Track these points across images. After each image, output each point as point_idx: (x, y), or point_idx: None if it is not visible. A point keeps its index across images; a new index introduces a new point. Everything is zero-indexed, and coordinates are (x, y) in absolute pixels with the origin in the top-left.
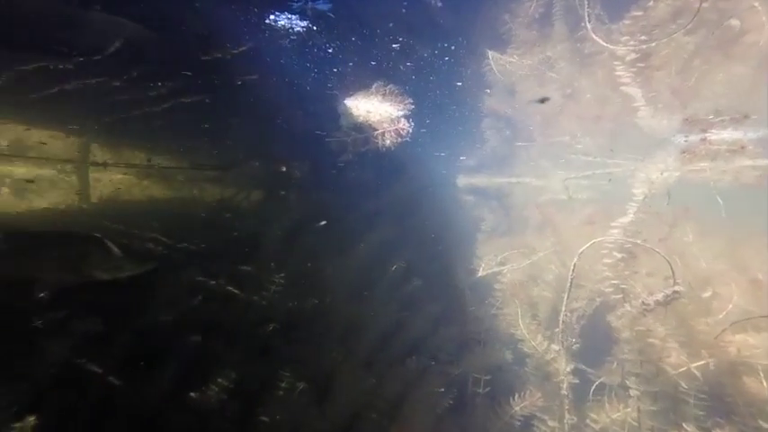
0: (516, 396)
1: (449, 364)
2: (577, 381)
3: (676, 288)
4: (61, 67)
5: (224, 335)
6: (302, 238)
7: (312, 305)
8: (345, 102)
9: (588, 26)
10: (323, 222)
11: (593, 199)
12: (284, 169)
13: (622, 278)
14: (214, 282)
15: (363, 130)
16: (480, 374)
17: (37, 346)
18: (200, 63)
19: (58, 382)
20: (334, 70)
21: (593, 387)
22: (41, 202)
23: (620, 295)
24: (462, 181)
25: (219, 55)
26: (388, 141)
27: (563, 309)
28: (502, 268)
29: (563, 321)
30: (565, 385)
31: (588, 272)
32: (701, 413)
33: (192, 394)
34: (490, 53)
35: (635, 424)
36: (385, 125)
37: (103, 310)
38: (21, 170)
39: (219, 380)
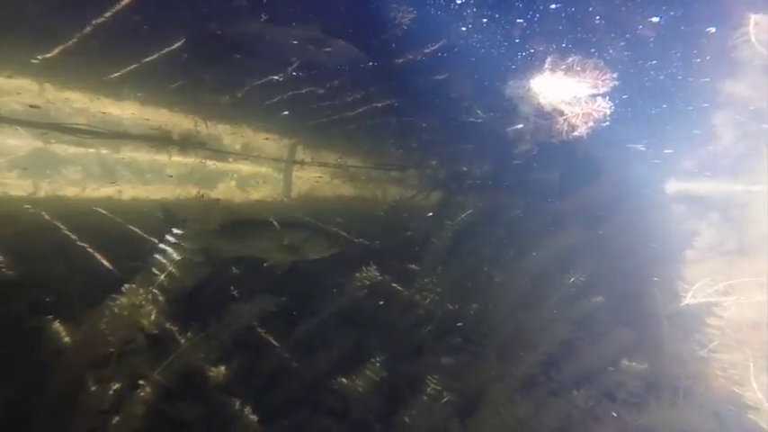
0: None
1: (629, 408)
2: None
3: None
4: (281, 79)
5: (381, 329)
6: (475, 240)
7: (474, 311)
8: (529, 84)
9: None
10: (501, 227)
11: None
12: (465, 169)
13: None
14: (381, 278)
15: (547, 116)
16: None
17: (229, 312)
18: (393, 66)
19: (241, 345)
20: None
21: None
22: (256, 194)
23: None
24: (674, 186)
25: (411, 57)
26: (578, 128)
27: None
28: (723, 299)
29: None
30: None
31: None
32: None
33: (344, 380)
34: (753, 18)
35: None
36: (575, 108)
37: (284, 291)
38: (246, 168)
39: (369, 372)
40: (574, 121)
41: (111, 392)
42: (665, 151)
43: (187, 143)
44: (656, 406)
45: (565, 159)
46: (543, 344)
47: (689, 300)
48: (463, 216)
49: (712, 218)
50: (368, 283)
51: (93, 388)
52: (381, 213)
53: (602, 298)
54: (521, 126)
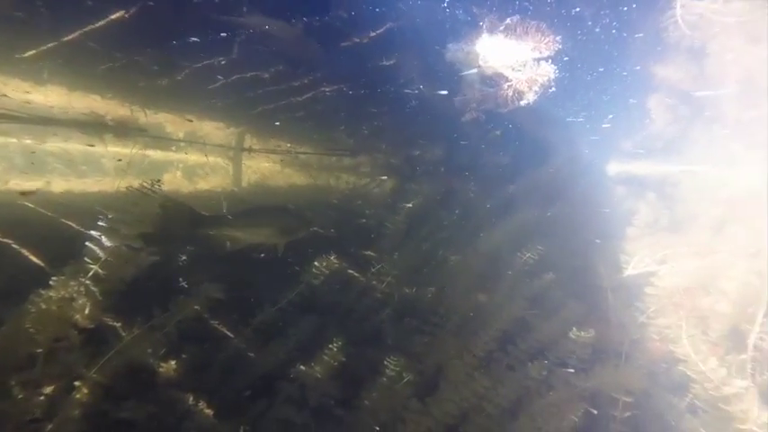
0: None
1: (579, 374)
2: None
3: None
4: (223, 62)
5: (339, 315)
6: (429, 225)
7: (430, 294)
8: (473, 52)
9: None
10: (454, 210)
11: None
12: (417, 153)
13: None
14: (337, 264)
15: (492, 83)
16: (619, 394)
17: (175, 303)
18: (339, 51)
19: (193, 338)
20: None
21: None
22: (204, 184)
23: None
24: (614, 168)
25: (358, 40)
26: (524, 94)
27: (756, 329)
28: (658, 268)
29: (754, 346)
30: None
31: None
32: None
33: (302, 367)
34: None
35: None
36: (520, 74)
37: (239, 280)
38: (192, 157)
39: (327, 359)
40: (519, 87)
41: (41, 397)
42: (604, 125)
43: (125, 131)
44: (601, 370)
45: (514, 142)
46: (499, 321)
47: (629, 272)
48: (417, 201)
49: (649, 197)
50: (325, 270)
51: (20, 395)
52: (335, 201)
53: (553, 274)
54: (466, 95)
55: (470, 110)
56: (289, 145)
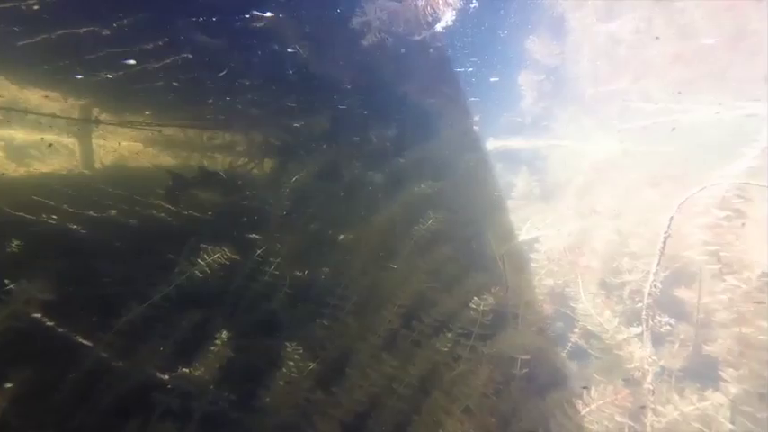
0: (592, 390)
1: (482, 341)
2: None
3: None
4: (36, 6)
5: (225, 306)
6: (315, 203)
7: (324, 275)
8: None
9: None
10: (341, 188)
11: (654, 152)
12: (297, 126)
13: (724, 243)
14: (218, 249)
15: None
16: (517, 354)
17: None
18: (200, 8)
19: (26, 356)
20: None
21: (674, 378)
22: (42, 166)
23: (719, 265)
24: (492, 144)
25: None
26: (441, 12)
27: (650, 280)
28: (540, 234)
29: (650, 294)
30: (649, 378)
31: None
32: None
33: (185, 370)
34: None
35: (730, 426)
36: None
37: (97, 276)
38: (19, 135)
39: (212, 356)
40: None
41: None
42: (492, 79)
43: None
44: (503, 334)
45: (401, 115)
46: (400, 297)
47: (517, 240)
48: (300, 179)
49: (522, 171)
50: (206, 257)
51: None
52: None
53: (449, 247)
54: (366, 15)
55: (372, 31)
56: (150, 122)
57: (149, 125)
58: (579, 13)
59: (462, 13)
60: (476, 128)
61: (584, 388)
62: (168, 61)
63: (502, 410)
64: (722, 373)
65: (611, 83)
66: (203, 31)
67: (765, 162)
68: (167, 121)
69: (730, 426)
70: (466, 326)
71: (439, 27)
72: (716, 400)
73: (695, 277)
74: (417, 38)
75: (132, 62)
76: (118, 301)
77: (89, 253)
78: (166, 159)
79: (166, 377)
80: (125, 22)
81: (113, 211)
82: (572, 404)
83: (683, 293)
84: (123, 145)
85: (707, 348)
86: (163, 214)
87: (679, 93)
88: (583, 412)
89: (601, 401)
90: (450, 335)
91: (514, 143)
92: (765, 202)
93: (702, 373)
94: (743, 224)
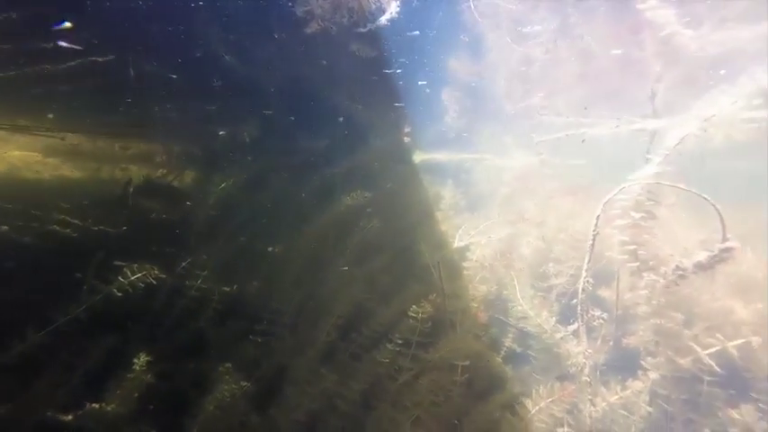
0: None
1: (424, 348)
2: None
3: (728, 244)
4: None
5: (144, 327)
6: (241, 215)
7: (255, 289)
8: None
9: None
10: (268, 199)
11: (568, 162)
12: (222, 133)
13: (641, 242)
14: (135, 266)
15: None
16: (458, 360)
17: None
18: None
19: None
20: None
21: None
22: None
23: (637, 263)
24: (419, 157)
25: None
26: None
27: (583, 276)
28: (471, 242)
29: (583, 290)
30: (586, 371)
31: (583, 239)
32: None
33: (94, 405)
34: None
35: (649, 409)
36: None
37: None
38: None
39: (131, 385)
40: None
41: None
42: (420, 82)
43: None
44: (444, 340)
45: (329, 126)
46: (336, 309)
47: (449, 248)
48: (224, 191)
49: (448, 183)
50: (127, 275)
51: None
52: (119, 193)
53: (383, 255)
54: (309, 4)
55: (315, 19)
56: (50, 129)
57: (50, 131)
58: (494, 34)
59: (407, 6)
60: (407, 139)
61: (534, 388)
62: (73, 63)
63: (449, 418)
64: (642, 362)
65: (526, 99)
66: (110, 28)
67: (666, 168)
68: (72, 127)
69: (648, 408)
70: (405, 335)
71: (384, 19)
72: (635, 388)
73: (613, 276)
74: (362, 30)
75: (68, 24)
76: (8, 330)
77: None
78: (71, 171)
79: (69, 418)
80: (14, 16)
81: (4, 227)
82: (523, 405)
83: (603, 292)
84: (14, 155)
85: (625, 341)
86: (68, 230)
87: (585, 108)
88: (533, 411)
89: (549, 399)
90: (390, 345)
91: (440, 156)
92: (671, 202)
93: (623, 366)
94: (655, 224)
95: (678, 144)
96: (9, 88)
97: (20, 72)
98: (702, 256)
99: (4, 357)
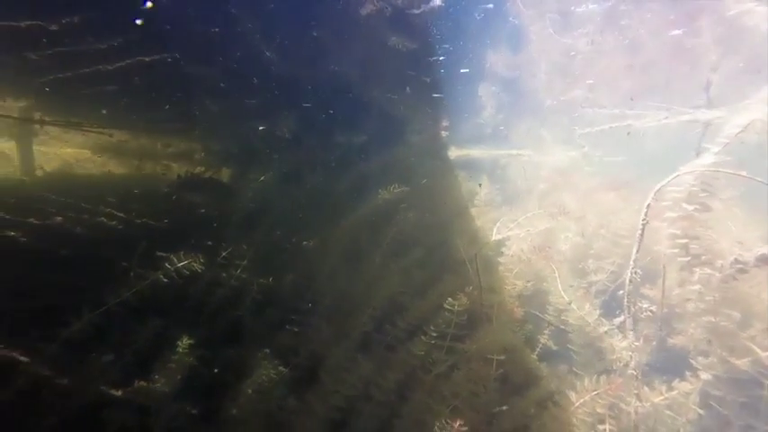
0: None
1: (459, 341)
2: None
3: None
4: None
5: (187, 314)
6: (278, 210)
7: (292, 281)
8: None
9: None
10: (304, 194)
11: (611, 157)
12: (261, 128)
13: (693, 236)
14: (175, 258)
15: None
16: (493, 354)
17: None
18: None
19: None
20: None
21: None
22: None
23: (688, 257)
24: (455, 152)
25: None
26: None
27: (630, 266)
28: (507, 236)
29: (631, 281)
30: (633, 363)
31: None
32: None
33: (143, 383)
34: None
35: (699, 411)
36: None
37: (40, 285)
38: None
39: (174, 365)
40: None
41: None
42: (462, 70)
43: None
44: (480, 332)
45: (367, 120)
46: (372, 301)
47: (485, 243)
48: (261, 187)
49: (483, 179)
50: (167, 266)
51: None
52: (165, 190)
53: (419, 249)
54: None
55: (370, 1)
56: (99, 127)
57: (100, 129)
58: (536, 26)
59: None
60: (444, 133)
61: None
62: (122, 64)
63: (486, 409)
64: (692, 362)
65: (567, 92)
66: (158, 34)
67: (726, 159)
68: (119, 125)
69: (699, 411)
70: (441, 328)
71: (438, 1)
72: (683, 389)
73: (657, 274)
74: (416, 11)
75: (150, 5)
76: (64, 312)
77: (30, 262)
78: (118, 167)
79: (119, 393)
80: (75, 19)
81: (59, 219)
82: (566, 396)
83: (647, 291)
84: (67, 152)
85: (671, 341)
86: (114, 222)
87: (631, 99)
88: (577, 404)
89: (594, 392)
90: (425, 338)
91: (475, 152)
92: (727, 196)
93: (667, 367)
94: (709, 217)
95: (741, 132)
96: (65, 88)
97: (75, 73)
98: (766, 249)
99: (65, 333)
